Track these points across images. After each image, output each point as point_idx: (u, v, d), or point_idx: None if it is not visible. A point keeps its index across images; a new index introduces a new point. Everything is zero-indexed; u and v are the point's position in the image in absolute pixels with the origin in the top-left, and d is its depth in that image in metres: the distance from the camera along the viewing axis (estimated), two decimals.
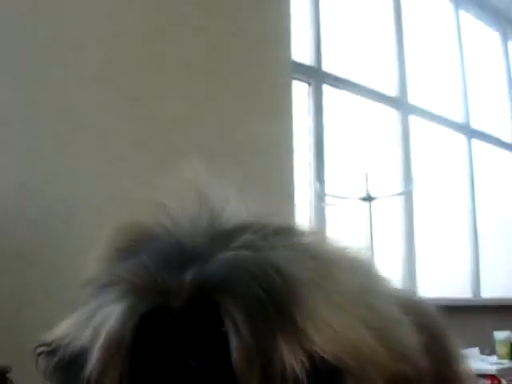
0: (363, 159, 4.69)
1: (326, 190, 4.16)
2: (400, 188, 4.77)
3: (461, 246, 5.39)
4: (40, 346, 0.84)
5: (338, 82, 4.52)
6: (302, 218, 4.08)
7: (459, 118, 5.53)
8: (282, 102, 3.60)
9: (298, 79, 4.23)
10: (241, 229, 0.81)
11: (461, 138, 5.53)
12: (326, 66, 4.45)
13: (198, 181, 0.88)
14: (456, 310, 4.46)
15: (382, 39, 5.10)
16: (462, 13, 5.82)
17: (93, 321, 0.78)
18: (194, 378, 0.74)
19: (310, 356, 0.73)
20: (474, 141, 5.62)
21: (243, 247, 0.78)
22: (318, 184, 4.10)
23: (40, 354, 0.83)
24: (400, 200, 4.77)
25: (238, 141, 3.31)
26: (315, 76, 4.34)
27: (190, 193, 0.85)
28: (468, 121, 5.60)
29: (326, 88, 4.41)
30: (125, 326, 0.75)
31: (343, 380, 0.73)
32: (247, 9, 3.51)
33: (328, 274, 0.80)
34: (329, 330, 0.75)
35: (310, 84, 4.32)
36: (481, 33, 6.12)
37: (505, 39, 6.36)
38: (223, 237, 0.80)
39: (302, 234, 0.86)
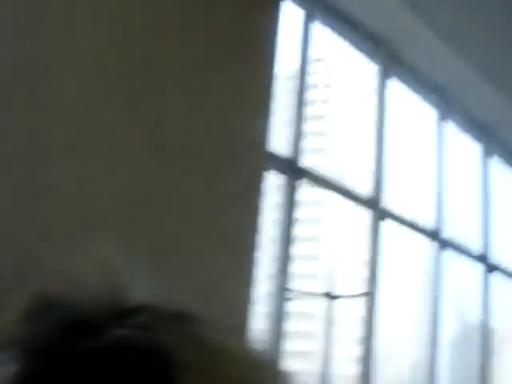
0: (329, 258, 4.75)
1: (289, 285, 4.20)
2: (364, 289, 4.81)
3: (419, 352, 5.40)
4: None
5: (313, 179, 4.60)
6: (260, 308, 4.11)
7: (431, 226, 5.62)
8: (252, 191, 3.66)
9: (274, 171, 4.32)
10: (139, 309, 0.85)
11: (432, 245, 5.60)
12: (304, 162, 4.53)
13: (110, 258, 0.92)
14: None
15: (364, 140, 5.21)
16: (446, 124, 5.97)
17: None
18: None
19: None
20: (444, 249, 5.69)
21: (135, 327, 0.82)
22: (280, 277, 4.14)
23: None
24: (362, 301, 4.81)
25: (202, 226, 3.37)
26: (291, 170, 4.41)
27: (100, 269, 0.89)
28: (440, 229, 5.68)
29: (300, 183, 4.48)
30: None
31: None
32: (226, 99, 3.60)
33: (215, 365, 0.84)
34: None
35: (285, 177, 4.39)
36: (463, 144, 6.27)
37: (486, 153, 6.51)
38: (122, 314, 0.84)
39: (200, 323, 0.89)
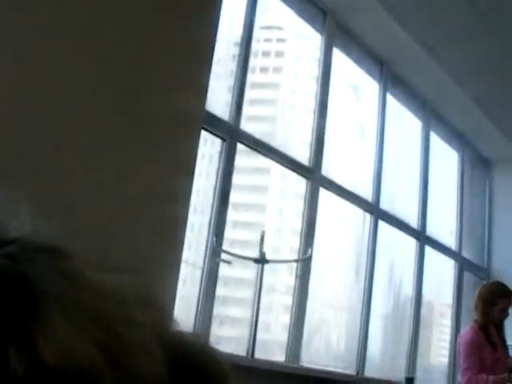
0: (264, 224, 4.76)
1: (223, 247, 4.19)
2: (297, 256, 4.83)
3: (351, 320, 5.46)
4: None
5: (252, 142, 4.59)
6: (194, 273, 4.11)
7: (369, 197, 5.66)
8: (188, 153, 3.63)
9: (213, 133, 4.30)
10: (11, 241, 0.86)
11: (368, 216, 5.65)
12: (245, 128, 4.52)
13: None
14: (324, 382, 4.52)
15: (304, 106, 5.22)
16: (388, 95, 6.02)
17: None
18: None
19: (34, 362, 0.76)
20: (381, 222, 5.75)
21: (3, 257, 0.82)
22: (214, 238, 4.13)
23: None
24: (296, 268, 4.83)
25: (137, 185, 3.33)
26: (230, 134, 4.40)
27: None
28: (377, 201, 5.73)
29: (240, 147, 4.47)
30: None
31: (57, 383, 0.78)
32: (167, 58, 3.55)
33: (76, 294, 0.84)
34: (55, 342, 0.78)
35: (224, 140, 4.37)
36: (404, 118, 6.33)
37: (426, 129, 6.59)
38: None
39: (69, 257, 0.91)
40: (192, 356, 1.06)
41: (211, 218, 4.21)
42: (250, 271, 4.41)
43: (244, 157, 4.65)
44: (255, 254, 4.27)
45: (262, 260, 4.22)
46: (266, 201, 5.06)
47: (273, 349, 4.84)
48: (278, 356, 4.74)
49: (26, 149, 2.91)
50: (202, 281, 4.14)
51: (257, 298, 4.19)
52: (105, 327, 0.85)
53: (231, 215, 4.36)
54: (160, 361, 0.92)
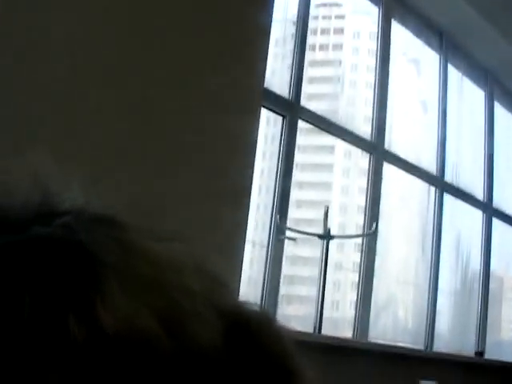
0: (329, 198, 4.74)
1: (287, 225, 4.19)
2: (363, 230, 4.81)
3: (419, 296, 5.41)
4: None
5: (313, 119, 4.58)
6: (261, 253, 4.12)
7: (433, 170, 5.59)
8: (247, 129, 3.62)
9: (273, 111, 4.29)
10: (66, 212, 0.86)
11: (433, 190, 5.58)
12: (306, 105, 4.50)
13: (41, 168, 0.93)
14: (393, 357, 4.49)
15: (365, 82, 5.17)
16: (449, 67, 5.91)
17: None
18: None
19: (94, 329, 0.78)
20: (446, 195, 5.67)
21: (59, 227, 0.82)
22: (278, 217, 4.13)
23: None
24: (362, 242, 4.80)
25: (200, 165, 3.34)
26: (291, 110, 4.38)
27: (29, 176, 0.91)
28: (442, 174, 5.65)
29: (302, 125, 4.46)
30: None
31: (116, 350, 0.78)
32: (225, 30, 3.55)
33: (133, 264, 0.85)
34: (115, 309, 0.80)
35: (284, 117, 4.36)
36: (467, 89, 6.21)
37: (491, 98, 6.46)
38: (47, 216, 0.85)
39: (125, 227, 0.91)
40: (250, 329, 1.05)
41: (275, 198, 4.21)
42: (315, 249, 4.41)
43: (307, 135, 4.64)
44: (319, 232, 4.26)
45: (326, 236, 4.21)
46: (331, 178, 5.04)
47: (340, 326, 4.83)
48: (346, 334, 4.73)
49: (78, 117, 2.94)
50: (267, 260, 4.14)
51: (322, 275, 4.18)
52: (162, 295, 0.85)
53: (296, 194, 4.36)
54: (217, 331, 0.91)
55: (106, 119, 3.02)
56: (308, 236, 4.30)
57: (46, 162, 0.91)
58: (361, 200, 4.95)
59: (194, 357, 0.86)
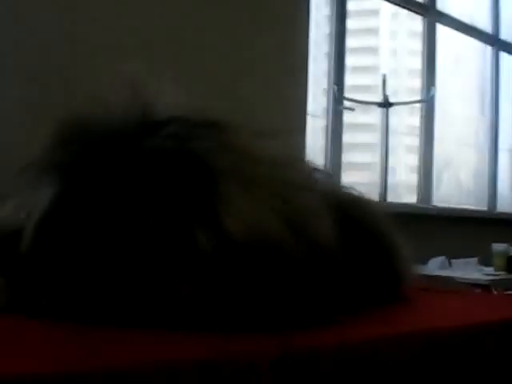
0: (384, 65, 4.65)
1: (344, 95, 4.14)
2: (420, 96, 4.73)
3: (479, 158, 5.36)
4: None
5: None
6: (315, 123, 4.09)
7: (488, 29, 5.43)
8: (298, 6, 3.55)
9: None
10: (169, 121, 0.84)
11: (489, 49, 5.44)
12: None
13: (135, 77, 0.91)
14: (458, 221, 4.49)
15: None
16: None
17: (27, 205, 0.82)
18: None
19: (221, 238, 0.77)
20: (502, 53, 5.53)
21: (168, 137, 0.80)
22: (335, 87, 4.07)
23: None
24: (419, 108, 4.73)
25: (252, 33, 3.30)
26: None
27: (127, 87, 0.89)
28: (497, 32, 5.49)
29: None
30: (57, 206, 0.79)
31: (247, 257, 0.78)
32: None
33: (246, 166, 0.83)
34: (239, 216, 0.78)
35: None
36: None
37: None
38: (151, 127, 0.82)
39: (228, 130, 0.88)
40: (355, 215, 1.05)
41: (330, 66, 4.15)
42: (372, 116, 4.36)
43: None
44: (377, 99, 4.21)
45: (385, 104, 4.15)
46: (379, 42, 4.92)
47: (402, 191, 4.83)
48: (408, 198, 4.73)
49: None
50: (327, 130, 4.12)
51: (384, 142, 4.15)
52: (280, 195, 0.84)
53: (348, 61, 4.27)
54: (330, 226, 0.91)
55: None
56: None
57: (140, 72, 0.89)
58: (412, 63, 4.86)
59: (316, 255, 0.85)
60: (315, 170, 1.09)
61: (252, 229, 0.78)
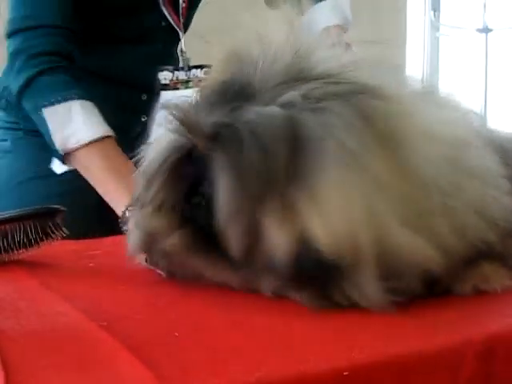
0: None
1: (441, 20, 4.02)
2: None
3: None
4: None
5: None
6: (414, 48, 3.99)
7: None
8: None
9: None
10: (313, 79, 0.77)
11: None
12: None
13: (294, 23, 0.85)
14: None
15: None
16: None
17: (152, 146, 0.83)
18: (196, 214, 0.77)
19: (303, 241, 0.68)
20: None
21: (285, 105, 0.74)
22: (432, 13, 3.96)
23: None
24: None
25: None
26: None
27: (287, 33, 0.82)
28: None
29: None
30: (164, 157, 0.78)
31: (332, 275, 0.69)
32: None
33: (363, 149, 0.71)
34: (332, 218, 0.68)
35: None
36: None
37: None
38: (282, 86, 0.76)
39: (368, 97, 0.75)
40: None
41: None
42: (470, 43, 4.23)
43: None
44: (476, 24, 4.07)
45: (485, 29, 4.01)
46: None
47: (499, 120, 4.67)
48: None
49: None
50: (424, 58, 4.04)
51: (485, 71, 4.03)
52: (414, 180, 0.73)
53: None
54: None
55: None
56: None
57: (297, 19, 0.84)
58: None
59: None
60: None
61: (346, 239, 0.68)
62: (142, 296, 0.81)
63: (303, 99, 0.73)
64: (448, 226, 0.72)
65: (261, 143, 0.70)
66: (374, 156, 0.69)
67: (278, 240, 0.68)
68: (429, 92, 0.90)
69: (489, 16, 3.98)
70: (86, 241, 1.12)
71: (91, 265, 0.97)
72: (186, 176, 0.77)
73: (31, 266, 0.95)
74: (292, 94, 0.73)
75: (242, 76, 0.78)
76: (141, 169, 0.83)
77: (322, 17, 1.62)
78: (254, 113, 0.73)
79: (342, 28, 1.65)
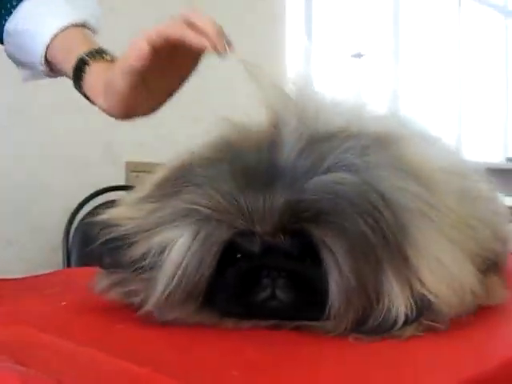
0: (354, 18, 4.59)
1: (315, 47, 4.07)
2: (390, 46, 4.68)
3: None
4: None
5: None
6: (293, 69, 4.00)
7: None
8: None
9: None
10: (334, 139, 0.75)
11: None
12: None
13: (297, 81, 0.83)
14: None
15: None
16: None
17: (165, 233, 0.73)
18: (279, 310, 0.72)
19: (419, 298, 0.70)
20: None
21: (339, 168, 0.72)
22: (306, 38, 4.01)
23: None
24: (390, 58, 4.68)
25: None
26: None
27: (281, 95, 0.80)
28: None
29: None
30: (201, 262, 0.71)
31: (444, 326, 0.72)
32: None
33: (435, 200, 0.74)
34: (442, 271, 0.71)
35: None
36: None
37: None
38: (317, 151, 0.73)
39: (393, 143, 0.78)
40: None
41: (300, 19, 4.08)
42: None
43: None
44: (347, 51, 4.14)
45: (358, 55, 4.10)
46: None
47: None
48: None
49: None
50: None
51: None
52: (469, 229, 0.78)
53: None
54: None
55: None
56: None
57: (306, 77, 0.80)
58: (380, 17, 4.77)
59: None
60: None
61: (456, 291, 0.71)
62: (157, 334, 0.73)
63: (352, 158, 0.72)
64: (475, 244, 0.78)
65: (361, 210, 0.69)
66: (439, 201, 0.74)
67: (399, 299, 0.69)
68: (419, 131, 0.94)
69: (361, 43, 4.06)
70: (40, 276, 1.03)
71: (64, 303, 0.87)
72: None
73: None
74: (338, 157, 0.71)
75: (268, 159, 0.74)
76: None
77: (50, 14, 1.13)
78: (329, 183, 0.70)
79: (89, 27, 1.15)
